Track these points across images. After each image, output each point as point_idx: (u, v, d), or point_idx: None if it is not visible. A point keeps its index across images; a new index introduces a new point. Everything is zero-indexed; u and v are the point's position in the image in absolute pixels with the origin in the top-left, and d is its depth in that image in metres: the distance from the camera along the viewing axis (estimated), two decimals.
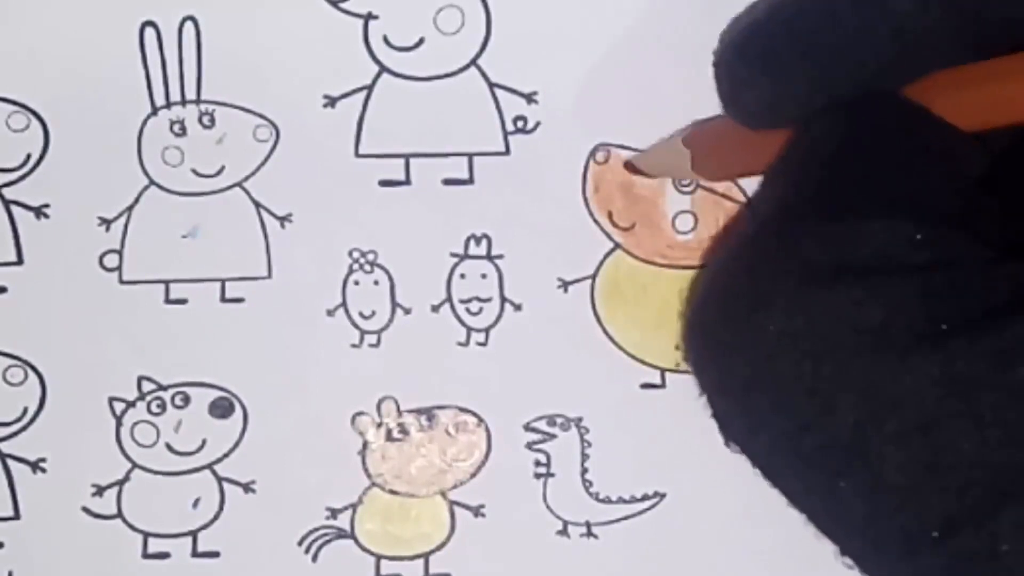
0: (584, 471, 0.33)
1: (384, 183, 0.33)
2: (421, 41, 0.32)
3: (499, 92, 0.32)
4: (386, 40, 0.32)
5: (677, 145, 0.31)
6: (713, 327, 0.23)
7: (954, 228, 0.22)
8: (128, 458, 0.33)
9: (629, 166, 0.32)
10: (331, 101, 0.33)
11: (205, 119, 0.33)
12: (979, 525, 0.20)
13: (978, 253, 0.22)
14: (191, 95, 0.32)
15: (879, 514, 0.21)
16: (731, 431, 0.24)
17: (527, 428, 0.33)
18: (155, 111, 0.33)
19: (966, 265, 0.22)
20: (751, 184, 0.32)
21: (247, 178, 0.33)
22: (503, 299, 0.33)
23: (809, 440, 0.22)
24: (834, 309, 0.21)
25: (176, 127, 0.33)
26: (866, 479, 0.21)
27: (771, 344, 0.22)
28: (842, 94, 0.25)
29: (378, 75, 0.33)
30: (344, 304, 0.33)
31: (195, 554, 0.33)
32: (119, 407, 0.33)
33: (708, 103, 0.32)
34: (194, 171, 0.33)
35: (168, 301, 0.33)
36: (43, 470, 0.33)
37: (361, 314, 0.33)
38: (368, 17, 0.32)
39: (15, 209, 0.33)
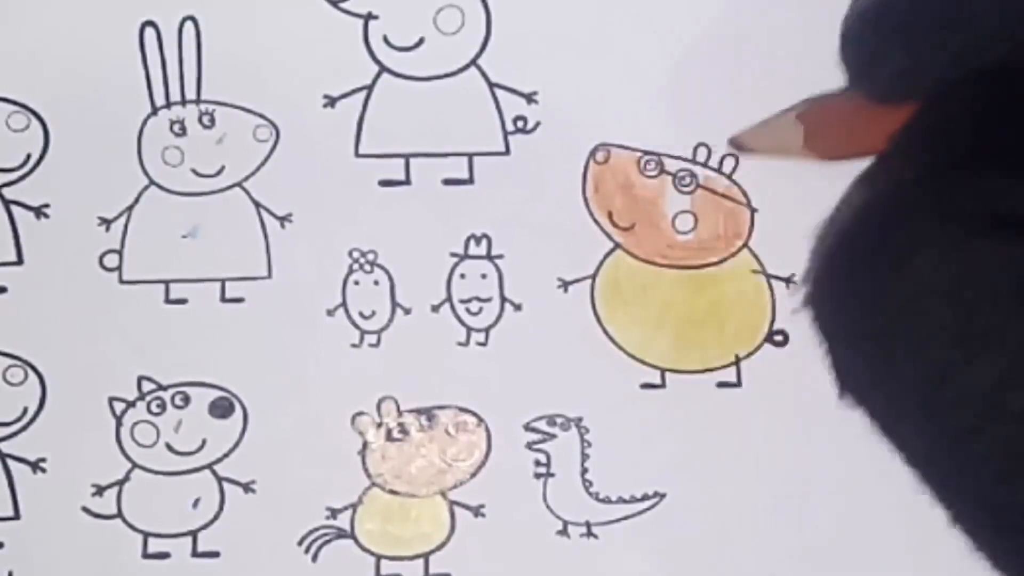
0: (584, 471, 0.33)
1: (384, 183, 0.33)
2: (421, 41, 0.32)
3: (499, 92, 0.32)
4: (386, 40, 0.32)
5: (791, 121, 0.30)
6: (852, 272, 0.22)
7: None
8: (128, 458, 0.33)
9: (736, 142, 0.32)
10: (331, 101, 0.33)
11: (205, 119, 0.33)
12: None
13: None
14: (191, 95, 0.32)
15: (1012, 477, 0.20)
16: (853, 380, 0.23)
17: (527, 428, 0.33)
18: (155, 111, 0.33)
19: None
20: (751, 185, 0.32)
21: (247, 178, 0.33)
22: (503, 299, 0.33)
23: (944, 392, 0.21)
24: (994, 259, 0.20)
25: (176, 127, 0.33)
26: (1001, 439, 0.20)
27: (919, 289, 0.21)
28: (976, 67, 0.24)
29: (378, 75, 0.33)
30: (344, 304, 0.33)
31: (195, 554, 0.33)
32: (119, 407, 0.33)
33: (708, 102, 0.32)
34: (194, 171, 0.33)
35: (168, 301, 0.33)
36: (43, 470, 0.33)
37: (361, 314, 0.33)
38: (368, 17, 0.32)
39: (15, 209, 0.33)
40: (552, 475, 0.33)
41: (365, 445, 0.33)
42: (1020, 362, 0.20)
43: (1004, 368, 0.20)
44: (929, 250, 0.21)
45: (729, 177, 0.32)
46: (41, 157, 0.32)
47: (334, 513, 0.33)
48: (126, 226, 0.33)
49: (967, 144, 0.23)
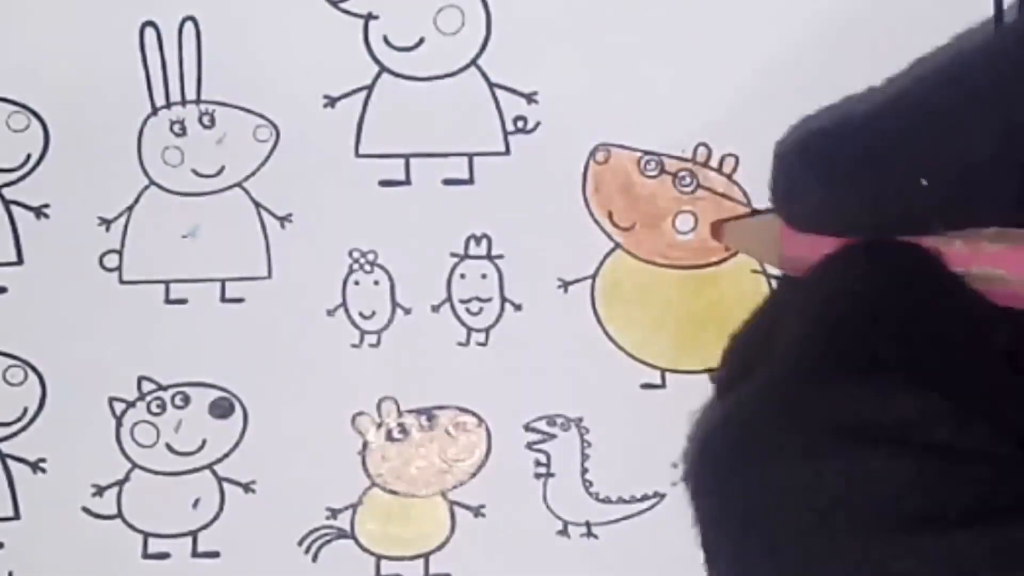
0: (584, 471, 0.33)
1: (384, 183, 0.33)
2: (421, 41, 0.32)
3: (499, 92, 0.32)
4: (386, 40, 0.32)
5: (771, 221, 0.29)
6: (720, 464, 0.23)
7: (980, 408, 0.22)
8: (128, 458, 0.33)
9: (715, 230, 0.32)
10: (331, 101, 0.33)
11: (205, 119, 0.33)
12: None
13: (1000, 440, 0.21)
14: (191, 95, 0.32)
15: None
16: (718, 567, 0.24)
17: (527, 428, 0.33)
18: (155, 111, 0.33)
19: (986, 452, 0.21)
20: (752, 185, 0.32)
21: (247, 178, 0.33)
22: (503, 299, 0.33)
23: None
24: (845, 473, 0.21)
25: (176, 127, 0.33)
26: None
27: (774, 495, 0.22)
28: (889, 223, 0.24)
29: (378, 75, 0.33)
30: (344, 304, 0.33)
31: (195, 554, 0.33)
32: (119, 407, 0.33)
33: (708, 102, 0.32)
34: (194, 171, 0.33)
35: (168, 301, 0.33)
36: (43, 470, 0.33)
37: (361, 314, 0.33)
38: (368, 17, 0.32)
39: (15, 209, 0.33)
40: (552, 475, 0.33)
41: (365, 445, 0.33)
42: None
43: None
44: (789, 455, 0.22)
45: (729, 177, 0.32)
46: (41, 157, 0.32)
47: (334, 513, 0.33)
48: (126, 226, 0.33)
49: (847, 335, 0.24)
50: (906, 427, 0.21)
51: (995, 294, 0.25)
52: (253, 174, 0.33)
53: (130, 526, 0.33)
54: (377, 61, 0.33)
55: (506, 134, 0.33)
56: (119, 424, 0.33)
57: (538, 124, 0.33)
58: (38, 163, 0.33)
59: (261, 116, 0.33)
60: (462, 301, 0.33)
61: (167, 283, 0.33)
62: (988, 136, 0.23)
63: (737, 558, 0.23)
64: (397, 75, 0.33)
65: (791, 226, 0.27)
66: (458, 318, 0.33)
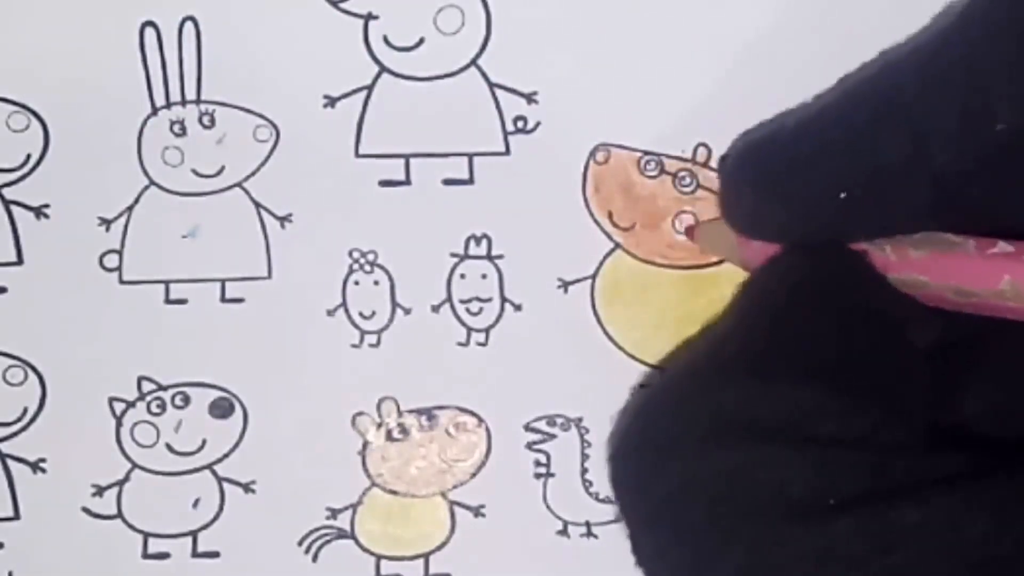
0: (584, 471, 0.33)
1: (384, 183, 0.33)
2: (421, 41, 0.32)
3: (499, 92, 0.32)
4: (386, 40, 0.32)
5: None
6: (628, 460, 0.25)
7: (873, 400, 0.23)
8: (128, 458, 0.33)
9: (690, 232, 0.32)
10: (331, 101, 0.33)
11: (205, 119, 0.33)
12: None
13: (887, 433, 0.22)
14: (191, 95, 0.32)
15: None
16: (640, 554, 0.25)
17: (527, 428, 0.33)
18: (155, 111, 0.33)
19: (872, 441, 0.22)
20: None
21: (247, 178, 0.33)
22: (503, 299, 0.33)
23: None
24: (732, 467, 0.22)
25: (176, 127, 0.33)
26: None
27: (674, 488, 0.23)
28: (815, 231, 0.25)
29: (378, 75, 0.33)
30: (344, 304, 0.33)
31: (195, 554, 0.33)
32: (119, 407, 0.33)
33: (707, 104, 0.32)
34: (194, 171, 0.33)
35: (168, 301, 0.33)
36: (43, 470, 0.33)
37: (361, 314, 0.33)
38: (368, 17, 0.32)
39: (15, 209, 0.33)
40: (552, 475, 0.33)
41: (365, 445, 0.33)
42: (755, 569, 0.22)
43: (741, 573, 0.22)
44: (685, 450, 0.23)
45: None
46: (41, 157, 0.32)
47: (334, 513, 0.33)
48: (126, 226, 0.33)
49: (753, 333, 0.25)
50: (793, 422, 0.22)
51: (926, 297, 0.25)
52: (253, 174, 0.33)
53: (130, 526, 0.33)
54: (377, 61, 0.33)
55: (506, 134, 0.33)
56: (119, 424, 0.33)
57: (538, 124, 0.33)
58: (38, 163, 0.33)
59: (261, 116, 0.33)
60: (462, 301, 0.33)
61: (167, 283, 0.33)
62: (897, 147, 0.23)
63: (647, 553, 0.24)
64: (397, 75, 0.33)
65: (735, 231, 0.28)
66: (458, 318, 0.33)
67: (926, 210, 0.24)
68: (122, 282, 0.33)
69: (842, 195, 0.24)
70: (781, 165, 0.26)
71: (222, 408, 0.33)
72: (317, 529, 0.33)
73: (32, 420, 0.33)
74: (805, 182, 0.25)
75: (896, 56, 0.26)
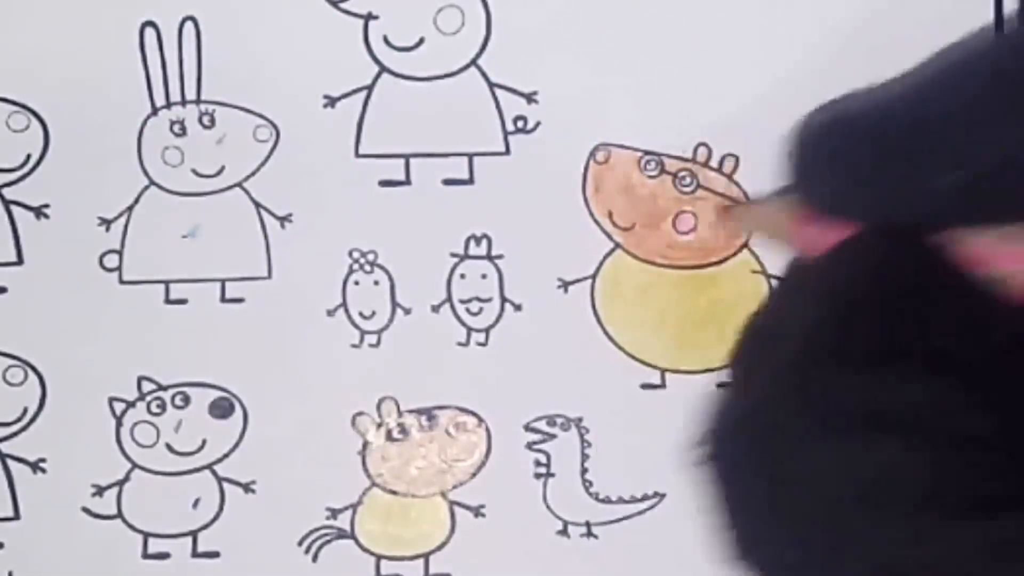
0: (584, 471, 0.33)
1: (384, 183, 0.33)
2: (421, 41, 0.32)
3: (499, 92, 0.32)
4: (386, 40, 0.32)
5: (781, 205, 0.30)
6: (743, 453, 0.24)
7: (990, 395, 0.22)
8: (128, 458, 0.33)
9: (724, 211, 0.32)
10: (331, 101, 0.32)
11: (205, 119, 0.32)
12: None
13: (1007, 428, 0.22)
14: (191, 95, 0.32)
15: None
16: (746, 551, 0.24)
17: (527, 428, 0.33)
18: (155, 111, 0.32)
19: (993, 441, 0.22)
20: (751, 185, 0.32)
21: (247, 178, 0.33)
22: (503, 299, 0.33)
23: None
24: (859, 460, 0.22)
25: (176, 127, 0.32)
26: None
27: (794, 482, 0.22)
28: (903, 218, 0.25)
29: (378, 75, 0.32)
30: (344, 304, 0.33)
31: (195, 554, 0.33)
32: (119, 407, 0.33)
33: (708, 104, 0.32)
34: (194, 171, 0.33)
35: (168, 301, 0.33)
36: (43, 470, 0.33)
37: (361, 314, 0.33)
38: (368, 17, 0.32)
39: (15, 209, 0.33)
40: (552, 475, 0.33)
41: (365, 445, 0.33)
42: (902, 569, 0.21)
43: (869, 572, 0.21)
44: (810, 444, 0.22)
45: (729, 177, 0.32)
46: (41, 157, 0.32)
47: (334, 513, 0.33)
48: (126, 226, 0.33)
49: (857, 320, 0.24)
50: (919, 414, 0.22)
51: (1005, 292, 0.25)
52: (253, 174, 0.33)
53: (130, 526, 0.33)
54: (377, 61, 0.32)
55: (506, 134, 0.32)
56: (119, 424, 0.33)
57: (538, 124, 0.33)
58: (38, 163, 0.33)
59: (261, 116, 0.32)
60: (462, 301, 0.33)
61: (167, 283, 0.33)
62: (1010, 137, 0.23)
63: (767, 541, 0.23)
64: (397, 75, 0.33)
65: (809, 210, 0.27)
66: (458, 318, 0.33)
67: None
68: (122, 282, 0.33)
69: (942, 183, 0.24)
70: (873, 149, 0.25)
71: (222, 408, 0.33)
72: (317, 529, 0.33)
73: (32, 420, 0.33)
74: (900, 170, 0.24)
75: (995, 41, 0.25)
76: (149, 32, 0.32)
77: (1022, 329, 0.24)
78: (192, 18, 0.32)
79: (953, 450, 0.22)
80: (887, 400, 0.22)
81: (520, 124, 0.33)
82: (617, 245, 0.33)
